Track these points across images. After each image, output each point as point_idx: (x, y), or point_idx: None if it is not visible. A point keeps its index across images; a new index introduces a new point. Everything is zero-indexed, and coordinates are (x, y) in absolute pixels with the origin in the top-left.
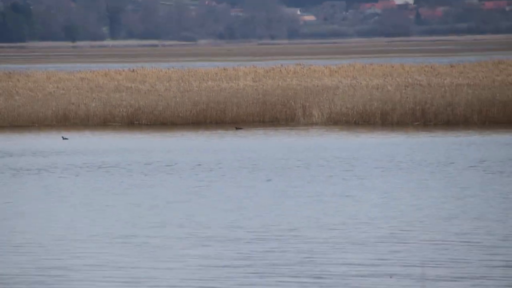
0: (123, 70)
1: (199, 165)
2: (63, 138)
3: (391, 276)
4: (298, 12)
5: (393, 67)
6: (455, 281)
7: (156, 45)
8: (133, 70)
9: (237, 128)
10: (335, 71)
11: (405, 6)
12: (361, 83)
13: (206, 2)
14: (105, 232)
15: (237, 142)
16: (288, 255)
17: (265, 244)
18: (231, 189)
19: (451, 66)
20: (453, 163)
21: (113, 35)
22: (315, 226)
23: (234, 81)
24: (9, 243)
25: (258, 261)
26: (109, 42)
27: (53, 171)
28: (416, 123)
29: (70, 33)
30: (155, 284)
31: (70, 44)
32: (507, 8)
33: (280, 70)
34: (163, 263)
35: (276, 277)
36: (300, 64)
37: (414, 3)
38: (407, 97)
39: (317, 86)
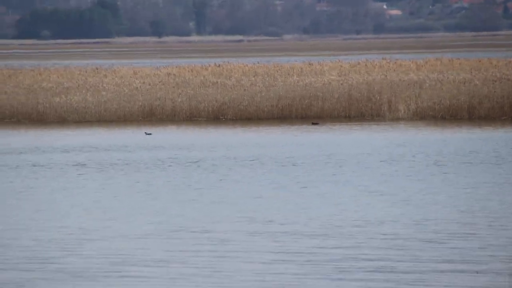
0: (209, 65)
1: (285, 159)
2: (146, 134)
3: (477, 271)
4: (384, 6)
5: (480, 61)
6: None
7: (241, 40)
8: (219, 65)
9: (313, 123)
10: (422, 66)
11: (492, 0)
12: (448, 78)
13: None
14: (189, 226)
15: (322, 136)
16: (373, 251)
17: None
18: (317, 184)
19: None
20: None
21: (199, 31)
22: (406, 221)
23: (320, 76)
24: (90, 237)
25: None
26: (195, 38)
27: (139, 166)
28: (504, 118)
29: (157, 29)
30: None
31: (156, 39)
32: None
33: (366, 65)
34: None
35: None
36: (386, 59)
37: None
38: (495, 92)
39: (403, 80)
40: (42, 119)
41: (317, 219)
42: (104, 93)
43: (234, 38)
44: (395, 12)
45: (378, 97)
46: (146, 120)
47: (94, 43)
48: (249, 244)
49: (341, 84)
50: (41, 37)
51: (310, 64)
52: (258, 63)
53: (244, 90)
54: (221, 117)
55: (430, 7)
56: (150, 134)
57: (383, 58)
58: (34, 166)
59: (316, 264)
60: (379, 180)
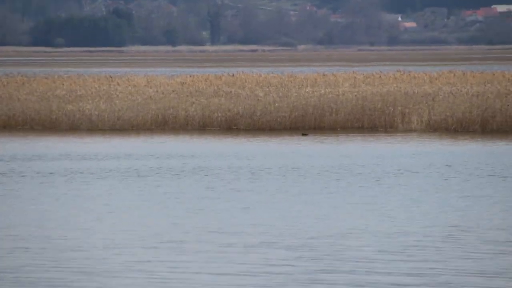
0: (223, 75)
1: (290, 169)
2: (303, 134)
3: None
4: (399, 19)
5: (494, 74)
6: None
7: (255, 50)
8: (233, 75)
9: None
10: (435, 78)
11: (507, 14)
12: (461, 90)
13: (307, 8)
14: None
15: (331, 148)
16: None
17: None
18: (318, 195)
19: None
20: None
21: (213, 40)
22: (416, 230)
23: (333, 87)
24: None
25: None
26: (209, 47)
27: (150, 174)
28: None
29: (171, 38)
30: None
31: (170, 48)
32: None
33: (380, 76)
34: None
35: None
36: (399, 71)
37: None
38: (508, 105)
39: (417, 92)
40: (55, 126)
41: (296, 230)
42: (117, 101)
43: (248, 48)
44: (409, 24)
45: (392, 109)
46: (159, 129)
47: (107, 51)
48: (222, 255)
49: (355, 95)
50: (55, 45)
51: (323, 75)
52: (272, 73)
53: (258, 100)
54: (234, 127)
55: (445, 20)
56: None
57: (397, 70)
58: (38, 173)
59: (287, 275)
60: (374, 192)
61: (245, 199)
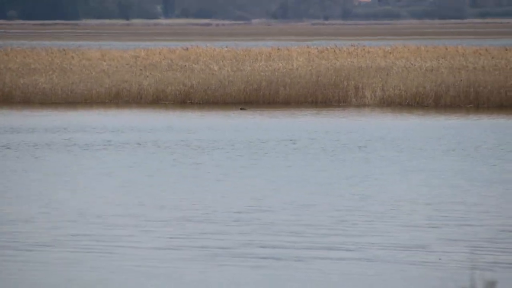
0: (177, 49)
1: (234, 144)
2: (241, 109)
3: (439, 258)
4: None
5: (447, 49)
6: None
7: (209, 24)
8: (187, 49)
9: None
10: (389, 53)
11: None
12: (414, 65)
13: None
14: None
15: (284, 122)
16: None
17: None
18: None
19: (506, 49)
20: (501, 146)
21: (167, 14)
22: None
23: (288, 62)
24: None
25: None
26: (162, 21)
27: (100, 148)
28: (469, 106)
29: (124, 11)
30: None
31: (124, 22)
32: None
33: (334, 51)
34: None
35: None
36: (353, 45)
37: None
38: (461, 80)
39: (370, 67)
40: (8, 99)
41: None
42: (71, 74)
43: (202, 22)
44: None
45: (346, 83)
46: (112, 103)
47: (61, 24)
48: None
49: (309, 70)
50: (8, 18)
51: (278, 49)
52: (226, 47)
53: (212, 74)
54: (188, 101)
55: None
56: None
57: (351, 45)
58: None
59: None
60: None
61: (191, 172)
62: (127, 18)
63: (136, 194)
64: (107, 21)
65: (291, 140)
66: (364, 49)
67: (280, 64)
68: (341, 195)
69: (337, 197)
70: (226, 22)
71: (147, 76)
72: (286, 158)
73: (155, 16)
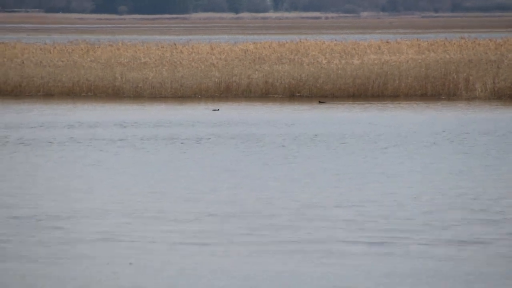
0: (286, 42)
1: (345, 137)
2: (213, 110)
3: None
4: None
5: None
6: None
7: (318, 17)
8: (296, 42)
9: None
10: (500, 45)
11: None
12: None
13: None
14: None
15: (387, 116)
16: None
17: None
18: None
19: None
20: None
21: (276, 7)
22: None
23: (397, 54)
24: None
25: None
26: (272, 14)
27: (202, 142)
28: None
29: (233, 5)
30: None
31: (233, 15)
32: None
33: (444, 44)
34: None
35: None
36: (463, 38)
37: None
38: None
39: (481, 59)
40: (118, 93)
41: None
42: (180, 68)
43: (311, 15)
44: None
45: (455, 76)
46: (222, 96)
47: (171, 18)
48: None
49: (419, 62)
50: (119, 12)
51: (387, 42)
52: (335, 40)
53: (321, 67)
54: (297, 94)
55: None
56: (218, 110)
57: (461, 37)
58: (96, 140)
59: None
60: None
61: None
62: (236, 12)
63: (250, 188)
64: (216, 14)
65: (397, 133)
66: (474, 41)
67: (389, 57)
68: (440, 191)
69: (437, 193)
70: (335, 15)
71: (256, 70)
72: (405, 154)
73: (264, 10)
